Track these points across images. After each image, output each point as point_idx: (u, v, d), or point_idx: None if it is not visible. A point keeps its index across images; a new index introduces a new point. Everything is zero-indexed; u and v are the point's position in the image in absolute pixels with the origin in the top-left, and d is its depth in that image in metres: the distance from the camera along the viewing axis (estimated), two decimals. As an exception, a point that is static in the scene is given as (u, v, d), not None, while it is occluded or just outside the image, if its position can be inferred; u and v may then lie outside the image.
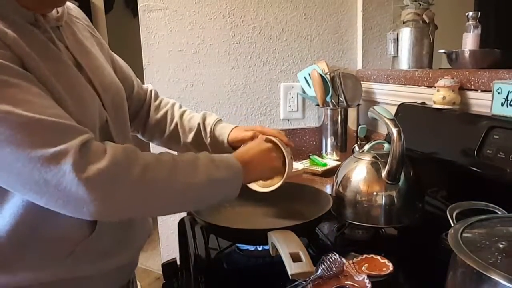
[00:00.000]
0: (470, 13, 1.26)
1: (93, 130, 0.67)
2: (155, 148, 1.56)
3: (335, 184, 0.98)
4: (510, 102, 0.89)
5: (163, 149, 0.86)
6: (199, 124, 0.99)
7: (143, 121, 1.03)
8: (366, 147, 0.98)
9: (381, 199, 0.90)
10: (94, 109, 0.70)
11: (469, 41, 1.25)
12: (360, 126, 1.52)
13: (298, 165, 1.44)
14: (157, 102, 1.04)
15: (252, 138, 0.90)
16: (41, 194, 0.56)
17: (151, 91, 1.05)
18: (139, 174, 0.60)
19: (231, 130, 0.95)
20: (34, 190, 0.56)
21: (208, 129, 0.98)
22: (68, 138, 0.56)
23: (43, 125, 0.55)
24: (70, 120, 0.59)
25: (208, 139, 0.97)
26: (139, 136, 1.06)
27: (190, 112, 1.03)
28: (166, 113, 1.02)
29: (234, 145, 0.94)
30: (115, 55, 0.96)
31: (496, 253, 0.51)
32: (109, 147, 0.60)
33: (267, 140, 0.87)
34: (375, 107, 0.92)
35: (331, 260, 0.76)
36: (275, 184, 0.90)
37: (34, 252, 0.67)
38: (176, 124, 1.00)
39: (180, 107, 1.04)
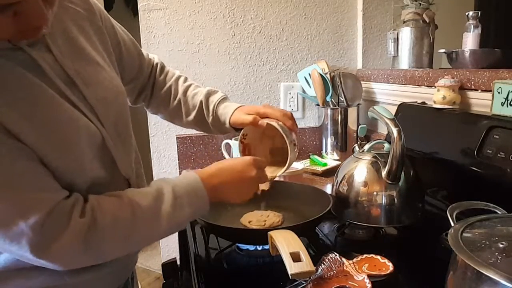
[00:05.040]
0: (470, 13, 1.26)
1: (81, 163, 0.65)
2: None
3: (335, 184, 0.98)
4: (510, 102, 0.89)
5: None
6: (201, 102, 0.95)
7: (148, 96, 1.01)
8: (366, 147, 0.98)
9: (381, 199, 0.90)
10: (81, 141, 0.65)
11: (469, 40, 1.25)
12: (360, 126, 1.52)
13: (298, 165, 1.44)
14: (162, 77, 1.00)
15: (252, 122, 0.86)
16: (12, 255, 0.62)
17: (156, 64, 1.01)
18: (96, 245, 0.63)
19: (234, 111, 0.91)
20: (6, 252, 0.63)
21: (210, 108, 0.94)
22: (29, 213, 0.57)
23: (4, 202, 0.56)
24: (34, 189, 0.59)
25: (210, 118, 0.94)
26: (145, 108, 1.05)
27: (195, 87, 0.99)
28: (169, 88, 0.99)
29: (235, 127, 0.91)
30: (121, 32, 0.87)
31: (496, 253, 0.51)
32: (72, 218, 0.60)
33: (268, 126, 0.84)
34: (375, 106, 0.92)
35: (331, 260, 0.76)
36: (277, 172, 0.89)
37: (27, 270, 0.66)
38: (179, 100, 0.97)
39: (185, 80, 1.00)
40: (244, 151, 0.91)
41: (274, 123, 0.85)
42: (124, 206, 0.65)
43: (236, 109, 0.91)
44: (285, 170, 0.88)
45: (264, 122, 0.85)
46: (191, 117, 0.97)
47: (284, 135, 0.84)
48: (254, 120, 0.85)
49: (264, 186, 0.89)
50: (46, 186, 0.60)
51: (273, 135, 0.85)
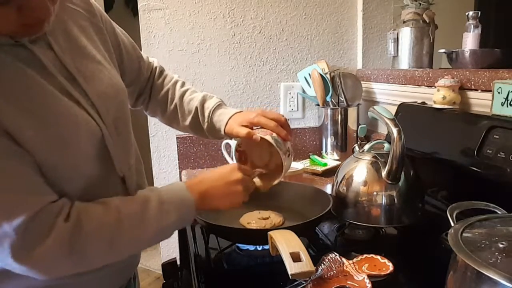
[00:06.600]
0: (470, 13, 1.26)
1: (78, 158, 0.65)
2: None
3: (335, 184, 0.98)
4: (510, 102, 0.89)
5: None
6: (196, 108, 0.95)
7: (147, 99, 1.01)
8: (366, 147, 0.98)
9: (381, 199, 0.90)
10: (80, 136, 0.65)
11: (469, 40, 1.25)
12: (360, 126, 1.51)
13: (298, 165, 1.44)
14: (160, 80, 1.01)
15: (246, 137, 0.86)
16: None
17: (155, 67, 1.02)
18: (81, 250, 0.61)
19: (228, 120, 0.91)
20: None
21: (206, 114, 0.94)
22: (14, 215, 0.56)
23: None
24: (21, 191, 0.58)
25: (206, 125, 0.95)
26: (144, 111, 1.05)
27: (191, 92, 0.99)
28: (167, 92, 0.99)
29: (230, 136, 0.92)
30: (121, 35, 0.88)
31: (496, 253, 0.51)
32: (57, 222, 0.59)
33: (261, 140, 0.85)
34: (375, 106, 0.92)
35: (331, 260, 0.76)
36: (273, 181, 0.90)
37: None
38: (176, 105, 0.98)
39: (183, 85, 1.00)
40: (241, 158, 0.93)
41: (268, 136, 0.85)
42: (110, 211, 0.66)
43: (231, 117, 0.91)
44: (281, 179, 0.90)
45: (257, 137, 0.85)
46: (187, 122, 0.97)
47: (277, 149, 0.85)
48: (248, 135, 0.86)
49: (263, 189, 0.90)
50: (34, 189, 0.60)
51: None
